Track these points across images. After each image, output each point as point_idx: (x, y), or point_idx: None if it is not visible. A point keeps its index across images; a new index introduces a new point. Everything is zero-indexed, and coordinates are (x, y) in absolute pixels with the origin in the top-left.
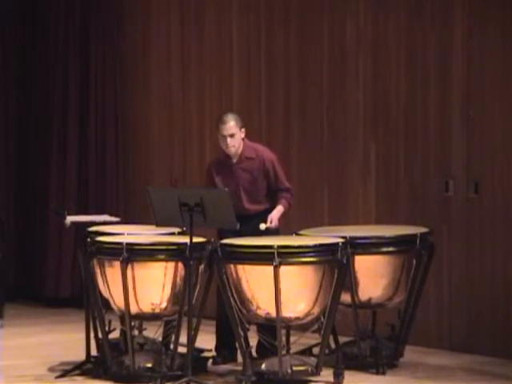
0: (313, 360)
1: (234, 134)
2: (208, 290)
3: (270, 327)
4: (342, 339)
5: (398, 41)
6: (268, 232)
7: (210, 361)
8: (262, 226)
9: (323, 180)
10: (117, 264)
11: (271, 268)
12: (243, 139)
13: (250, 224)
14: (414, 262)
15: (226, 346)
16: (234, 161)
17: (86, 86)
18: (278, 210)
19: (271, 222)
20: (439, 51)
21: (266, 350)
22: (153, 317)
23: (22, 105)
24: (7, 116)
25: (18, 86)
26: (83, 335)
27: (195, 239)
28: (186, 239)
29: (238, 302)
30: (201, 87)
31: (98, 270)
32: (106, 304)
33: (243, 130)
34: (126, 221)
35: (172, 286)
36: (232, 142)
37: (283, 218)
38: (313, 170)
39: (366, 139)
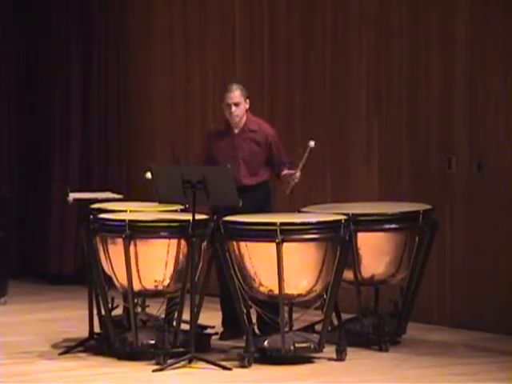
0: (315, 337)
1: (238, 103)
2: (211, 267)
3: (272, 304)
4: (345, 316)
5: (400, 15)
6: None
7: (217, 336)
8: (312, 144)
9: (326, 157)
10: (119, 241)
11: (274, 245)
12: (247, 111)
13: (245, 196)
14: (417, 238)
15: (234, 321)
16: (237, 131)
17: (89, 63)
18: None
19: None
20: (442, 26)
21: (267, 325)
22: (156, 294)
23: (26, 81)
24: (10, 93)
25: (21, 62)
26: (86, 312)
27: (198, 216)
28: (188, 216)
29: (241, 279)
30: (203, 64)
31: (100, 247)
32: (109, 281)
33: (248, 101)
34: (128, 198)
35: (175, 263)
36: (236, 111)
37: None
38: (316, 148)
39: (369, 116)
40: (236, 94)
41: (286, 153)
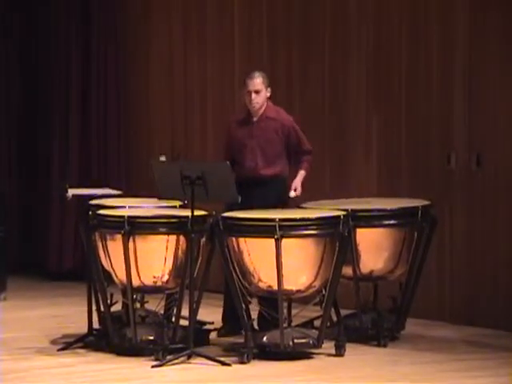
0: (314, 332)
1: (259, 91)
2: (209, 263)
3: (271, 300)
4: (344, 312)
5: (400, 12)
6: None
7: (215, 332)
8: (292, 194)
9: (325, 153)
10: (118, 237)
11: (273, 241)
12: (268, 99)
13: (260, 189)
14: (416, 234)
15: (234, 317)
16: (255, 119)
17: (88, 59)
18: (301, 176)
19: (295, 190)
20: (441, 22)
21: (267, 321)
22: (154, 290)
23: (25, 78)
24: (10, 89)
25: (21, 61)
26: (85, 308)
27: (197, 212)
28: (187, 212)
29: (240, 275)
30: (202, 63)
31: (99, 244)
32: (108, 277)
33: (269, 89)
34: (127, 194)
35: (174, 259)
36: (256, 99)
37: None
38: (315, 143)
39: (368, 112)
40: (257, 81)
41: (307, 141)
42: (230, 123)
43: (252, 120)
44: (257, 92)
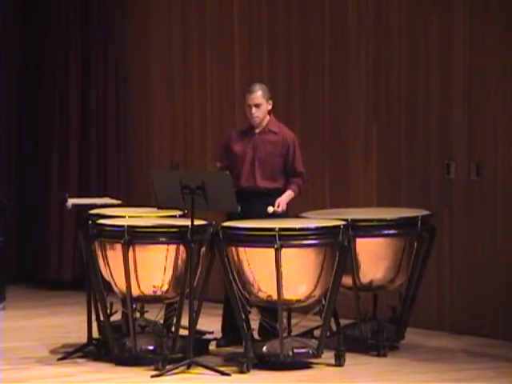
0: (314, 342)
1: (259, 104)
2: (209, 272)
3: (271, 309)
4: (344, 321)
5: (399, 22)
6: (275, 215)
7: (214, 343)
8: (270, 209)
9: (325, 163)
10: (118, 247)
11: (272, 251)
12: (270, 113)
13: (259, 201)
14: (416, 244)
15: (233, 328)
16: (257, 131)
17: (87, 70)
18: (288, 195)
19: (278, 206)
20: (441, 33)
21: (268, 332)
22: (154, 299)
23: (24, 86)
24: (9, 99)
25: (19, 66)
26: (85, 318)
27: (196, 222)
28: (187, 222)
29: (240, 285)
30: (202, 69)
31: (99, 253)
32: (108, 286)
33: (270, 102)
34: (127, 203)
35: (173, 269)
36: (257, 113)
37: (291, 202)
38: (314, 153)
39: (368, 122)
40: (257, 94)
41: (301, 163)
42: (231, 135)
43: (253, 132)
44: (257, 106)
